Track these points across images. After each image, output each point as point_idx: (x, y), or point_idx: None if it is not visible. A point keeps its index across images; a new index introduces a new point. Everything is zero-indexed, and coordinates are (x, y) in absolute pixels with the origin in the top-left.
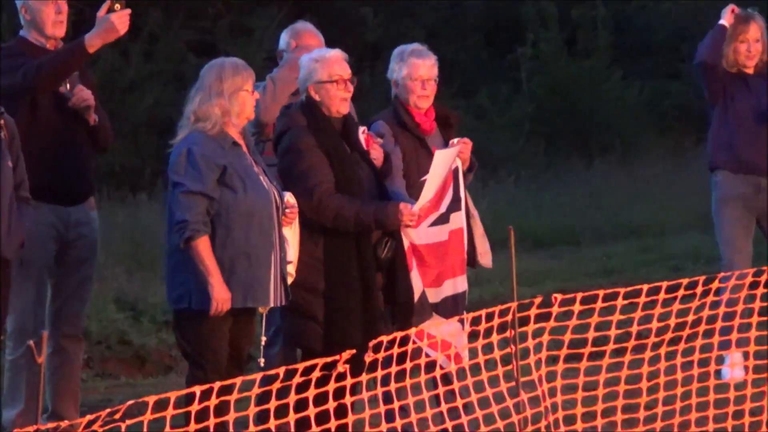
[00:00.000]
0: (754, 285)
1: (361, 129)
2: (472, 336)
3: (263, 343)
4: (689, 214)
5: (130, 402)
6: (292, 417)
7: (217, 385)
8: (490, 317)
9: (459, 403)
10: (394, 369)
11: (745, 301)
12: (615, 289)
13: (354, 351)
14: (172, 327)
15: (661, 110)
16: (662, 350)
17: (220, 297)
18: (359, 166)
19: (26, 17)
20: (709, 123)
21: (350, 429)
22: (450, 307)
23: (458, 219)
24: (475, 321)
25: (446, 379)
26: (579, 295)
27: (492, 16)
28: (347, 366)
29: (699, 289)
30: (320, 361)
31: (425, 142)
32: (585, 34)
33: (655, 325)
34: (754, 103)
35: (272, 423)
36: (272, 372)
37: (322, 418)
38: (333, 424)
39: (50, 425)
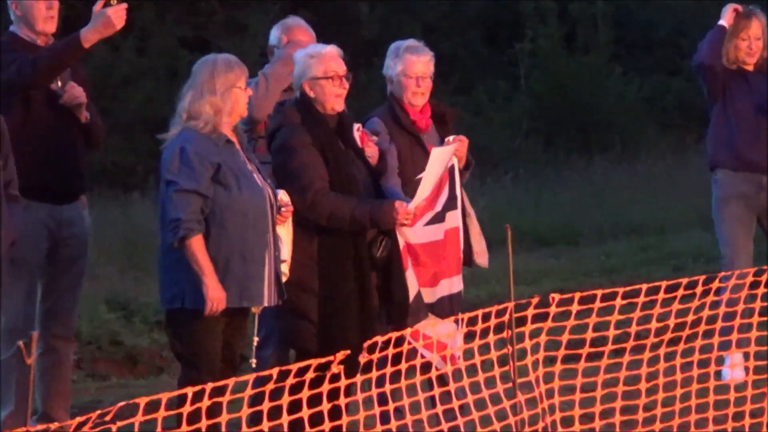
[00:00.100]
0: (754, 285)
1: (356, 126)
2: (469, 336)
3: (255, 343)
4: (690, 212)
5: (122, 403)
6: (285, 419)
7: (209, 386)
8: (486, 317)
9: (455, 404)
10: (389, 370)
11: (745, 301)
12: (614, 288)
13: (349, 351)
14: (165, 327)
15: (661, 107)
16: (661, 351)
17: (215, 297)
18: (354, 164)
19: (17, 13)
20: (708, 121)
21: (344, 431)
22: (446, 308)
23: (454, 218)
24: (472, 321)
25: (442, 380)
26: (577, 295)
27: (490, 11)
28: (342, 367)
29: (699, 289)
30: (314, 362)
31: (421, 140)
32: (584, 29)
33: (654, 325)
34: (754, 101)
35: (265, 425)
36: (265, 373)
37: (316, 419)
38: (327, 425)
39: (40, 427)
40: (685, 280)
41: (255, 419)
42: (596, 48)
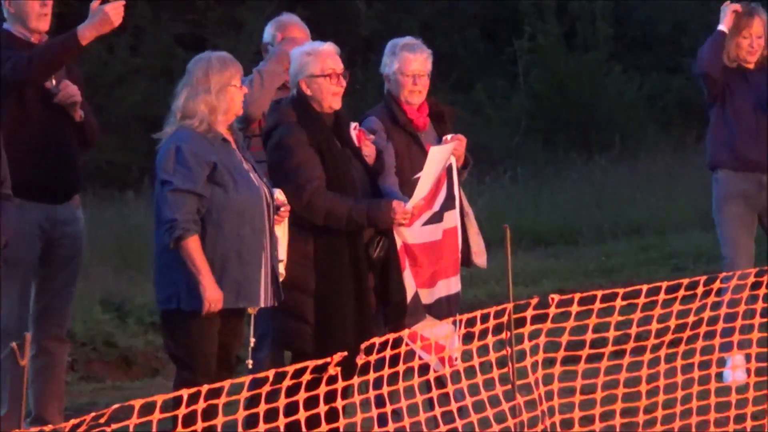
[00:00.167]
0: (756, 285)
1: (353, 125)
2: (467, 338)
3: (252, 344)
4: (691, 211)
5: (116, 406)
6: (281, 421)
7: (205, 388)
8: (485, 318)
9: (453, 406)
10: (386, 371)
11: (747, 302)
12: (614, 289)
13: (346, 353)
14: (160, 328)
15: (662, 105)
16: (662, 352)
17: (212, 297)
18: (351, 163)
19: (10, 10)
20: (707, 120)
21: None
22: (444, 309)
23: (452, 217)
24: (470, 322)
25: (440, 382)
26: (577, 296)
27: (488, 8)
28: (339, 368)
29: (700, 290)
30: (311, 364)
31: (418, 139)
32: (584, 27)
33: (654, 326)
34: (754, 99)
35: (261, 427)
36: (261, 375)
37: (313, 422)
38: (324, 428)
39: (34, 429)
40: (686, 281)
41: (251, 421)
42: (596, 45)
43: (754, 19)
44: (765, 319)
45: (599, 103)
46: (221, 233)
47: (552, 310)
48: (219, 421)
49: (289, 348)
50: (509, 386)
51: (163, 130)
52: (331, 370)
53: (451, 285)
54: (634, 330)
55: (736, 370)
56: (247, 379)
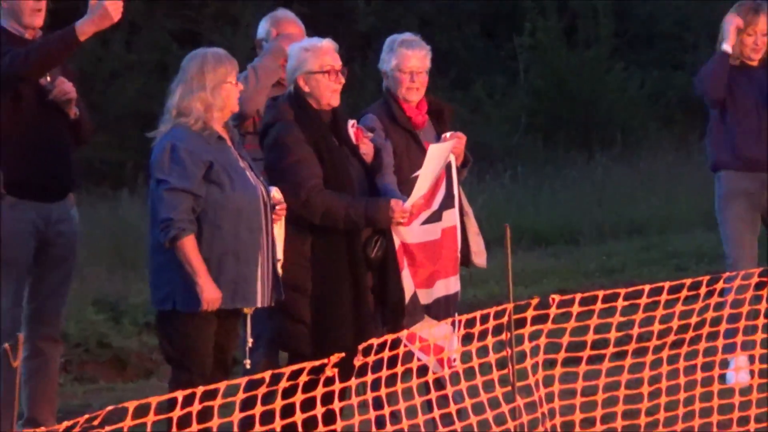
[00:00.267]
0: (760, 285)
1: (351, 122)
2: (467, 339)
3: (250, 344)
4: (693, 210)
5: (110, 407)
6: (278, 423)
7: (200, 389)
8: (485, 319)
9: (452, 408)
10: (384, 373)
11: (750, 302)
12: (615, 289)
13: (343, 354)
14: (156, 329)
15: (664, 102)
16: (664, 353)
17: (210, 297)
18: (349, 161)
19: (4, 6)
20: (707, 120)
21: None
22: (442, 309)
23: (451, 216)
24: (470, 323)
25: (439, 383)
26: (578, 296)
27: (489, 4)
28: (336, 370)
29: (703, 290)
30: (308, 365)
31: (417, 137)
32: (585, 23)
33: (657, 327)
34: (756, 98)
35: (257, 429)
36: (257, 376)
37: (310, 424)
38: (321, 430)
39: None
40: (688, 281)
41: (247, 424)
42: (597, 42)
43: (760, 17)
44: None
45: (600, 101)
46: (218, 233)
47: (553, 311)
48: (214, 423)
49: (286, 349)
50: (509, 388)
51: (157, 128)
52: (329, 372)
53: (450, 285)
54: (635, 331)
55: (740, 372)
56: (243, 381)
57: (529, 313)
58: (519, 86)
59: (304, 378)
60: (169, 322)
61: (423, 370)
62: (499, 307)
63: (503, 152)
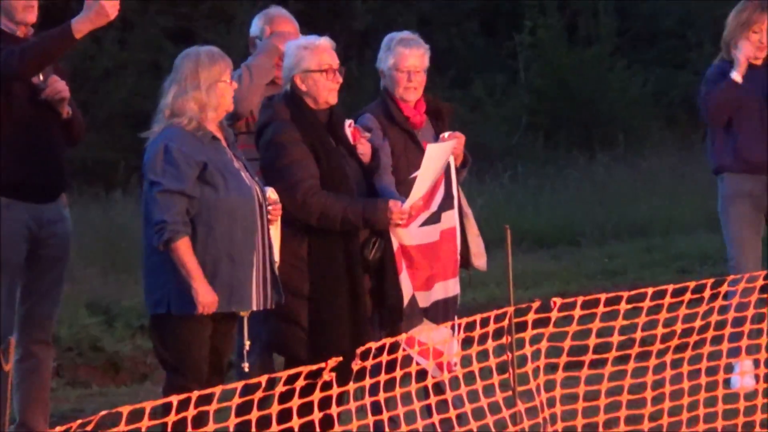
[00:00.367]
0: (765, 288)
1: (348, 122)
2: (466, 342)
3: (247, 348)
4: (697, 212)
5: (103, 412)
6: (274, 428)
7: (195, 394)
8: (485, 322)
9: (452, 413)
10: (383, 377)
11: (755, 306)
12: (618, 292)
13: (341, 358)
14: (150, 332)
15: (667, 101)
16: (668, 358)
17: (206, 300)
18: (346, 161)
19: None
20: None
21: None
22: (441, 312)
23: (450, 218)
24: (470, 326)
25: (438, 388)
26: (579, 299)
27: (488, 2)
28: (333, 374)
29: (707, 293)
30: (305, 369)
31: (415, 137)
32: (586, 20)
33: (660, 331)
34: (759, 100)
35: None
36: (254, 381)
37: (307, 429)
38: None
39: None
40: (692, 284)
41: (243, 429)
42: (598, 40)
43: (765, 14)
44: None
45: (602, 100)
46: (212, 234)
47: (554, 314)
48: (210, 428)
49: (282, 353)
50: (510, 393)
51: (151, 128)
52: (326, 376)
53: (449, 288)
54: (638, 334)
55: (745, 376)
56: (238, 385)
57: (530, 317)
58: (519, 85)
59: (301, 382)
60: (163, 325)
61: (422, 374)
62: (500, 310)
63: (503, 152)
